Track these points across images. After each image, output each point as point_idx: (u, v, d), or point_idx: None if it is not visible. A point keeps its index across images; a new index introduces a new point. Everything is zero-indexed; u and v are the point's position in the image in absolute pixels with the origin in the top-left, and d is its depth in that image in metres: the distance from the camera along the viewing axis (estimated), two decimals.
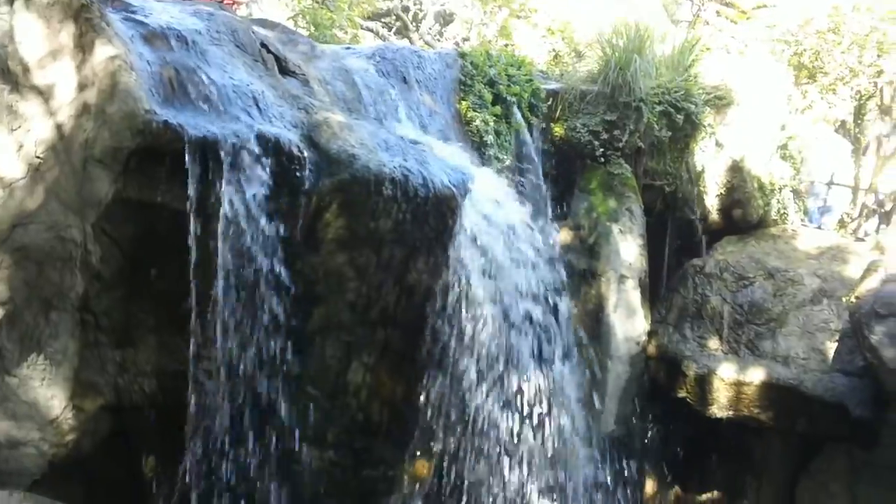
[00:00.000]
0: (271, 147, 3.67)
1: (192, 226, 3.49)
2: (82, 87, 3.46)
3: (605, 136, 6.54)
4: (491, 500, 4.85)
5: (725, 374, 6.11)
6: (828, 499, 6.33)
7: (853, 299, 5.62)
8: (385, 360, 4.27)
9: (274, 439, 3.80)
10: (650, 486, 6.65)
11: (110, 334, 3.73)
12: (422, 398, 4.45)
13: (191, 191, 3.46)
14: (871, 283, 5.52)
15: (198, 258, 3.49)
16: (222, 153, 3.50)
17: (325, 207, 3.86)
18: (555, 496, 5.01)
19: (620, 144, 6.58)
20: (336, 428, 4.20)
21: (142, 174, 3.57)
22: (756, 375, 6.04)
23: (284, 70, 4.44)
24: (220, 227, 3.49)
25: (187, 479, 3.65)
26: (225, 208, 3.49)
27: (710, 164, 7.01)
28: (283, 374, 3.79)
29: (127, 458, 4.03)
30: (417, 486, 4.67)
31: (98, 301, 3.65)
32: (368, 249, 3.98)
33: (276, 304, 3.76)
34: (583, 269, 6.29)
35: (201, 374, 3.65)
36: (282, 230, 3.71)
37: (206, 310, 3.58)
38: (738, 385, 6.08)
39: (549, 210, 5.97)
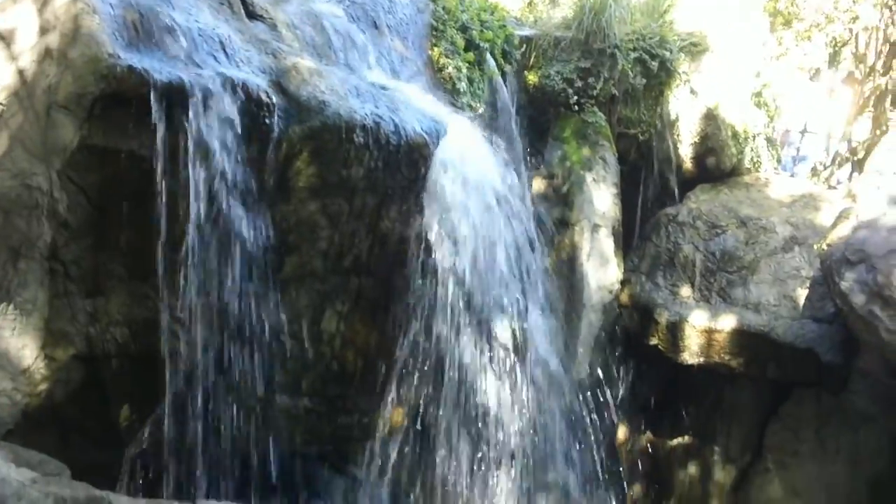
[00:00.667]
0: (239, 93, 3.61)
1: (160, 173, 3.44)
2: (44, 31, 3.38)
3: (579, 83, 6.50)
4: (466, 446, 4.90)
5: (697, 321, 6.18)
6: (796, 443, 6.47)
7: (824, 246, 5.68)
8: (359, 309, 4.28)
9: (248, 387, 3.81)
10: (622, 432, 6.77)
11: (80, 283, 3.70)
12: (396, 347, 4.47)
13: (158, 137, 3.41)
14: (843, 230, 5.56)
15: (166, 206, 3.46)
16: (189, 99, 3.44)
17: (295, 155, 3.82)
18: (528, 441, 5.07)
19: (594, 92, 6.54)
20: (310, 376, 4.22)
21: (107, 120, 3.50)
22: (727, 322, 6.11)
23: (251, 14, 4.35)
24: (188, 174, 3.45)
25: (161, 428, 3.65)
26: (192, 155, 3.44)
27: (685, 112, 6.99)
28: (255, 323, 3.78)
29: (100, 408, 4.02)
30: (393, 432, 4.71)
31: (67, 250, 3.61)
32: (340, 197, 3.96)
33: (248, 253, 3.73)
34: (557, 217, 6.30)
35: (173, 323, 3.64)
36: (251, 178, 3.67)
37: (175, 259, 3.55)
38: (710, 332, 6.15)
39: (523, 158, 5.95)
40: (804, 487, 6.30)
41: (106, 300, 3.76)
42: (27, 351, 3.51)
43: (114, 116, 3.49)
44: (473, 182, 4.62)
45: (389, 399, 4.55)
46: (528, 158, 6.15)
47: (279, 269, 3.89)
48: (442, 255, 4.46)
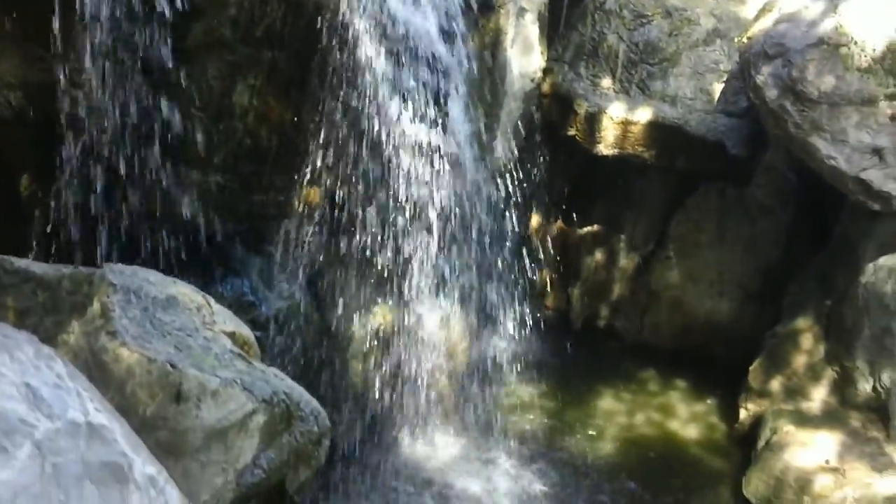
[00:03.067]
0: None
1: None
2: None
3: None
4: (384, 225, 4.95)
5: (615, 112, 6.22)
6: (698, 233, 6.80)
7: (745, 40, 5.68)
8: (273, 84, 4.11)
9: (155, 159, 3.69)
10: (535, 219, 6.95)
11: None
12: (312, 125, 4.37)
13: None
14: (765, 23, 5.55)
15: None
16: None
17: None
18: (446, 223, 5.15)
19: None
20: (222, 152, 4.10)
21: None
22: (644, 115, 6.17)
23: None
24: None
25: (63, 197, 3.54)
26: None
27: None
28: (159, 91, 3.60)
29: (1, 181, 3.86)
30: (309, 211, 4.70)
31: None
32: None
33: (152, 16, 3.48)
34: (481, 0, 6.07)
35: (71, 87, 3.43)
36: None
37: (72, 17, 3.29)
38: (626, 124, 6.20)
39: None
40: (701, 274, 6.70)
41: None
42: None
43: None
44: None
45: (306, 178, 4.50)
46: None
47: (186, 35, 3.66)
48: (359, 31, 4.27)
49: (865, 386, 5.26)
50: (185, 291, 2.99)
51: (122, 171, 3.58)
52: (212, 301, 3.09)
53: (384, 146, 4.69)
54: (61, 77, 3.36)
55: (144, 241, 3.80)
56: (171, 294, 2.92)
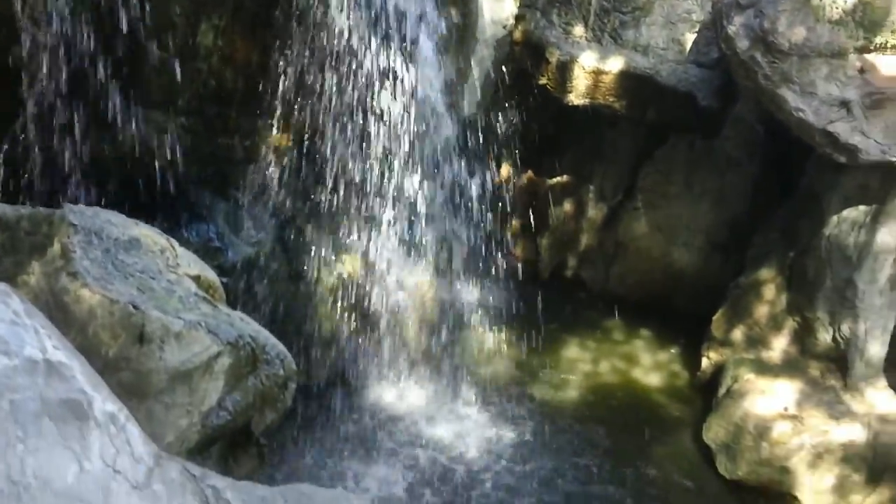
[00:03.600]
0: None
1: None
2: None
3: None
4: (356, 174, 4.92)
5: (587, 61, 6.16)
6: (666, 185, 6.82)
7: None
8: (238, 24, 4.03)
9: (117, 100, 3.61)
10: (505, 168, 6.93)
11: None
12: (279, 67, 4.29)
13: None
14: None
15: None
16: None
17: None
18: (415, 170, 5.12)
19: None
20: (186, 93, 4.03)
21: None
22: (615, 64, 6.13)
23: None
24: None
25: (23, 139, 3.46)
26: None
27: None
28: (121, 30, 3.51)
29: None
30: (277, 156, 4.65)
31: None
32: None
33: None
34: None
35: (29, 24, 3.33)
36: None
37: None
38: (598, 73, 6.16)
39: None
40: (668, 225, 6.74)
41: None
42: None
43: None
44: None
45: (273, 122, 4.44)
46: None
47: None
48: None
49: (825, 336, 5.36)
50: (148, 234, 2.95)
51: (83, 112, 3.50)
52: (175, 244, 3.06)
53: (353, 91, 4.63)
54: (19, 13, 3.25)
55: (106, 183, 3.74)
56: (133, 236, 2.88)
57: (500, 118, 6.51)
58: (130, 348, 2.48)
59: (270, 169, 4.64)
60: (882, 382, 5.16)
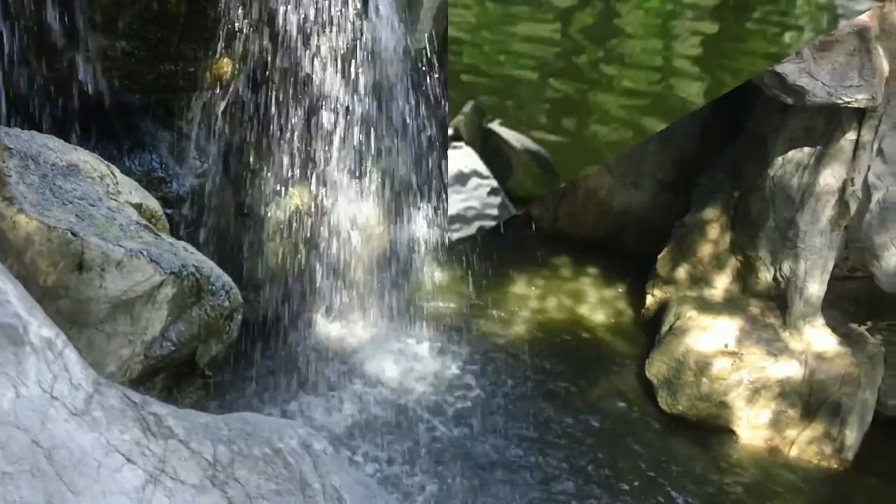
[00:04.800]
0: None
1: None
2: None
3: None
4: (305, 106, 4.82)
5: None
6: None
7: None
8: None
9: (53, 19, 3.45)
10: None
11: None
12: None
13: None
14: None
15: None
16: None
17: None
18: (366, 105, 5.04)
19: None
20: (128, 16, 3.86)
21: None
22: None
23: None
24: None
25: None
26: None
27: None
28: None
29: None
30: (222, 85, 4.51)
31: None
32: None
33: None
34: None
35: None
36: None
37: None
38: None
39: None
40: (617, 164, 6.76)
41: None
42: None
43: None
44: None
45: (218, 48, 4.29)
46: None
47: None
48: None
49: (766, 275, 5.49)
50: (87, 159, 2.86)
51: (18, 31, 3.34)
52: (116, 171, 2.97)
53: (302, 20, 4.50)
54: None
55: (43, 107, 3.60)
56: (72, 161, 2.79)
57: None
58: (69, 276, 2.42)
59: (216, 98, 4.51)
60: (820, 321, 5.32)
